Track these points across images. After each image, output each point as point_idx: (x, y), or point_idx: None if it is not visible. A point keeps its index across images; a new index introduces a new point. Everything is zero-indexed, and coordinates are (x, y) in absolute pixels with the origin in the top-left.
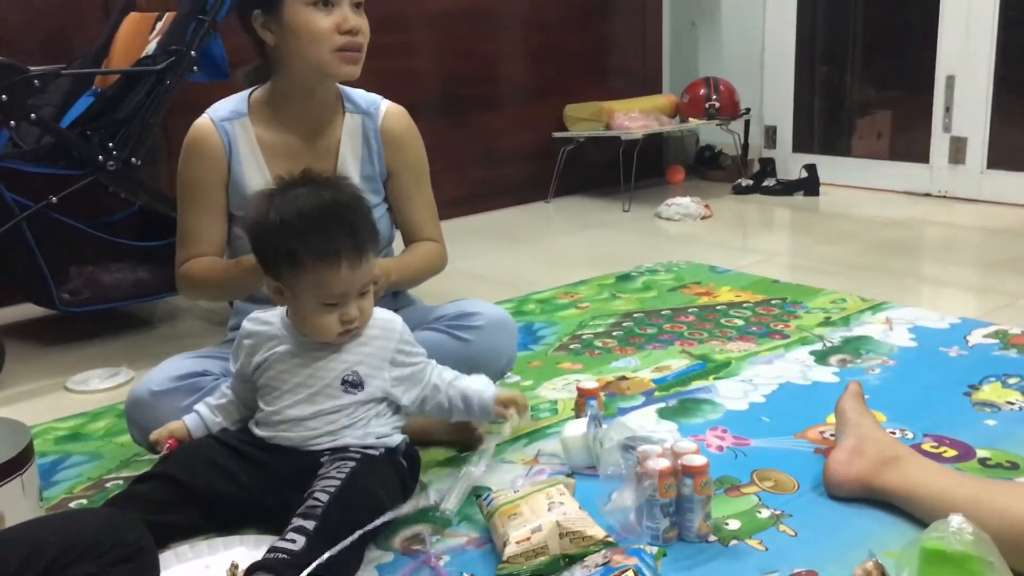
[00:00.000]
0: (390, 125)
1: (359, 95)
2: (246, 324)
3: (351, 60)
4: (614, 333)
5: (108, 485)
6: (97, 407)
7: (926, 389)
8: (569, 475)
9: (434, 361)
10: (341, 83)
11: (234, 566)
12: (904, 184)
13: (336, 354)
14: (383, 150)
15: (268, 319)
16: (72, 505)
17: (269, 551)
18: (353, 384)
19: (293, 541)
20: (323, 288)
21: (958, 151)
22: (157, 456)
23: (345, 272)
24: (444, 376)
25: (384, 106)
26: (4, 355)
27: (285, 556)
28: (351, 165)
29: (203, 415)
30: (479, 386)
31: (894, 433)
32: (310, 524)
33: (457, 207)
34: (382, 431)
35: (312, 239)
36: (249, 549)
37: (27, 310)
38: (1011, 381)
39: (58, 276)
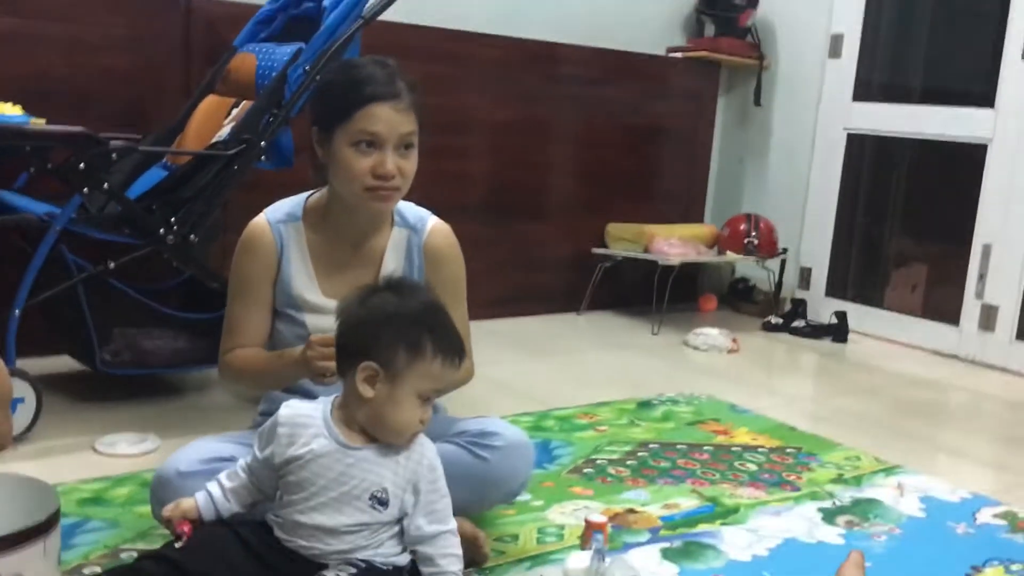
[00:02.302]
0: (433, 242)
1: (409, 210)
2: (284, 411)
3: (381, 198)
4: (628, 462)
5: (123, 555)
6: (121, 472)
7: (929, 564)
8: None
9: (454, 529)
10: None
11: None
12: (933, 343)
13: (369, 464)
14: (424, 265)
15: (309, 412)
16: (85, 572)
17: None
18: (381, 502)
19: None
20: (430, 380)
21: (989, 319)
22: (172, 535)
23: (451, 371)
24: (446, 548)
25: (430, 223)
26: (41, 407)
27: None
28: None
29: (215, 497)
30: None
31: None
32: None
33: (490, 308)
34: (392, 552)
35: (440, 332)
36: None
37: (63, 363)
38: (1014, 567)
39: (102, 336)
